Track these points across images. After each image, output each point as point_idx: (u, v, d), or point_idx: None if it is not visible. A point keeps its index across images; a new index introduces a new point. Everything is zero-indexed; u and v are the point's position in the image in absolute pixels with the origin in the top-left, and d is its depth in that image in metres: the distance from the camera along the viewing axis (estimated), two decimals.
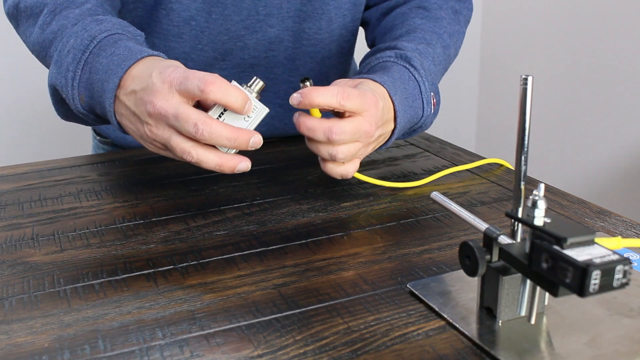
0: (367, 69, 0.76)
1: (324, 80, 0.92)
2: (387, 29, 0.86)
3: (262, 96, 0.91)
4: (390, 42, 0.79)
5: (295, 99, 0.62)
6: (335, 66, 0.93)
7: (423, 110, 0.73)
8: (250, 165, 0.61)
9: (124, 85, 0.62)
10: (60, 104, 0.72)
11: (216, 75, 0.58)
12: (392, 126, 0.70)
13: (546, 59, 1.94)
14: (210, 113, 0.60)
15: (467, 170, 0.79)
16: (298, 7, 0.85)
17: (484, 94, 2.24)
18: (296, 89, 0.91)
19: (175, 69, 0.59)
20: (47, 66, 0.73)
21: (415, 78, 0.73)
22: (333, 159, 0.65)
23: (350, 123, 0.63)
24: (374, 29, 0.90)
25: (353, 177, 0.73)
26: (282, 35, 0.86)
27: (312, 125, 0.62)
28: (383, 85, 0.68)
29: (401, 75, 0.72)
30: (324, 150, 0.64)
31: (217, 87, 0.57)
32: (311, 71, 0.91)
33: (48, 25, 0.71)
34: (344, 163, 0.66)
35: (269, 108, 0.92)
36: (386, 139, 0.71)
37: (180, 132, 0.59)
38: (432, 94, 0.75)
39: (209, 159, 0.59)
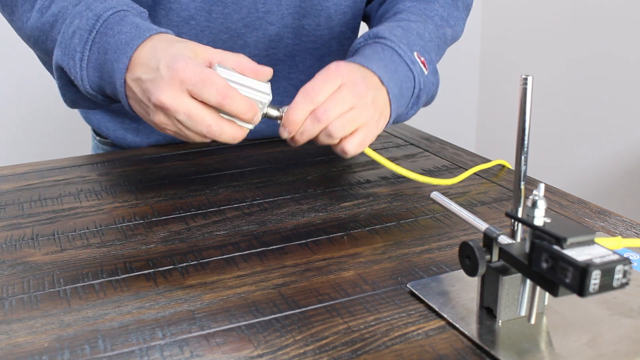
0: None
1: None
2: (381, 18, 0.86)
3: None
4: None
5: (284, 132, 0.63)
6: None
7: (412, 72, 0.72)
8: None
9: (132, 68, 0.61)
10: (67, 87, 0.71)
11: (232, 87, 0.58)
12: (383, 91, 0.68)
13: (546, 59, 1.94)
14: (221, 69, 0.60)
15: (467, 170, 0.79)
16: (297, 4, 0.85)
17: (484, 94, 2.24)
18: (296, 85, 0.91)
19: (185, 63, 0.58)
20: (47, 51, 0.72)
21: (388, 46, 0.72)
22: (330, 138, 0.63)
23: (331, 97, 0.62)
24: (373, 21, 0.90)
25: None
26: (282, 32, 0.86)
27: (300, 128, 0.63)
28: (353, 62, 0.67)
29: (373, 50, 0.71)
30: (322, 139, 0.64)
31: (232, 101, 0.58)
32: (311, 67, 0.91)
33: (47, 9, 0.70)
34: (352, 135, 0.64)
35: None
36: (386, 106, 0.68)
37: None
38: (415, 53, 0.73)
39: (227, 135, 0.61)
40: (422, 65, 0.73)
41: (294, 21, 0.86)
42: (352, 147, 0.65)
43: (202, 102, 0.59)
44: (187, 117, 0.59)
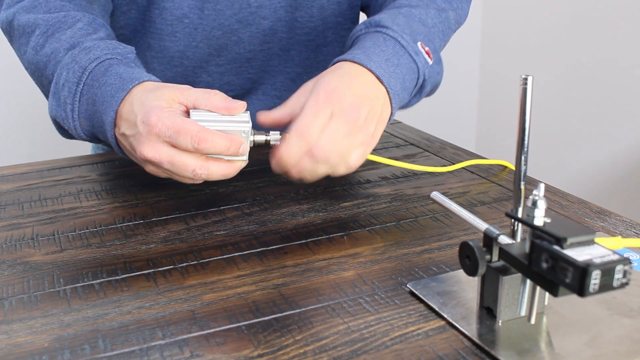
0: (346, 51, 0.74)
1: (321, 68, 0.92)
2: (381, 7, 0.85)
3: (259, 88, 0.91)
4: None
5: (277, 168, 0.64)
6: (333, 54, 0.92)
7: (416, 63, 0.71)
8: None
9: (117, 123, 0.63)
10: (63, 130, 0.73)
11: (207, 130, 0.59)
12: (382, 91, 0.67)
13: (546, 59, 1.94)
14: (196, 114, 0.61)
15: (467, 170, 0.79)
16: None
17: (484, 94, 2.24)
18: (293, 79, 0.92)
19: (157, 117, 0.58)
20: (42, 87, 0.74)
21: (391, 36, 0.71)
22: (331, 167, 0.63)
23: (324, 132, 0.61)
24: (373, 10, 0.89)
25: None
26: (275, 26, 0.86)
27: (298, 168, 0.62)
28: (353, 61, 0.67)
29: (374, 40, 0.70)
30: (324, 169, 0.64)
31: (209, 144, 0.58)
32: (307, 60, 0.91)
33: (42, 48, 0.72)
34: (350, 154, 0.64)
35: (267, 100, 0.93)
36: (385, 107, 0.67)
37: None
38: (419, 43, 0.72)
39: (217, 173, 0.61)
40: (426, 56, 0.72)
41: (286, 14, 0.86)
42: (354, 162, 0.64)
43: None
44: (171, 165, 0.60)
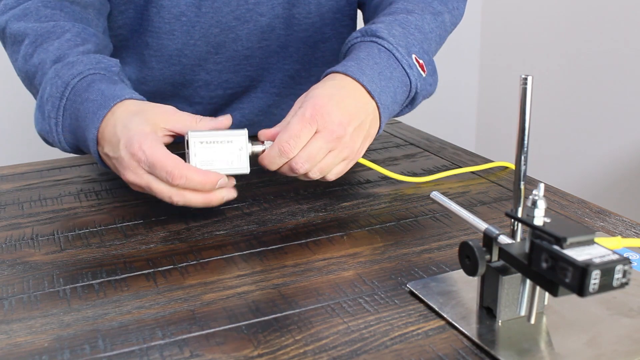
0: (341, 58, 0.74)
1: (319, 65, 0.92)
2: (377, 6, 0.85)
3: (258, 86, 0.91)
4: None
5: (262, 166, 0.65)
6: (331, 50, 0.92)
7: (409, 76, 0.71)
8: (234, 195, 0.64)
9: (100, 142, 0.64)
10: (49, 141, 0.74)
11: (182, 166, 0.59)
12: (372, 105, 0.67)
13: (546, 59, 1.94)
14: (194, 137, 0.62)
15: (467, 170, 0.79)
16: None
17: (484, 94, 2.24)
18: (292, 76, 0.92)
19: (139, 146, 0.60)
20: (32, 93, 0.75)
21: (385, 48, 0.70)
22: (310, 179, 0.65)
23: (306, 148, 0.62)
24: (369, 8, 0.89)
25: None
26: (273, 23, 0.86)
27: (280, 170, 0.64)
28: (346, 73, 0.66)
29: (369, 51, 0.70)
30: (303, 179, 0.65)
31: (183, 180, 0.60)
32: (305, 56, 0.91)
33: (30, 57, 0.72)
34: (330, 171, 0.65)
35: (266, 98, 0.93)
36: (374, 121, 0.68)
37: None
38: (413, 56, 0.72)
39: (195, 201, 0.62)
40: (419, 69, 0.72)
41: (284, 11, 0.86)
42: (332, 177, 0.66)
43: None
44: (150, 191, 0.62)
